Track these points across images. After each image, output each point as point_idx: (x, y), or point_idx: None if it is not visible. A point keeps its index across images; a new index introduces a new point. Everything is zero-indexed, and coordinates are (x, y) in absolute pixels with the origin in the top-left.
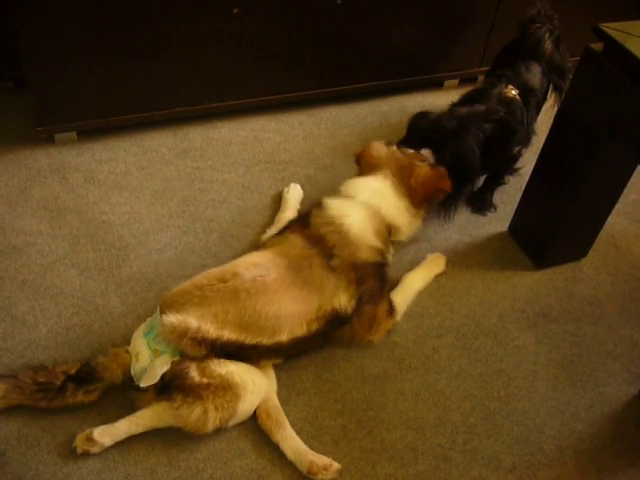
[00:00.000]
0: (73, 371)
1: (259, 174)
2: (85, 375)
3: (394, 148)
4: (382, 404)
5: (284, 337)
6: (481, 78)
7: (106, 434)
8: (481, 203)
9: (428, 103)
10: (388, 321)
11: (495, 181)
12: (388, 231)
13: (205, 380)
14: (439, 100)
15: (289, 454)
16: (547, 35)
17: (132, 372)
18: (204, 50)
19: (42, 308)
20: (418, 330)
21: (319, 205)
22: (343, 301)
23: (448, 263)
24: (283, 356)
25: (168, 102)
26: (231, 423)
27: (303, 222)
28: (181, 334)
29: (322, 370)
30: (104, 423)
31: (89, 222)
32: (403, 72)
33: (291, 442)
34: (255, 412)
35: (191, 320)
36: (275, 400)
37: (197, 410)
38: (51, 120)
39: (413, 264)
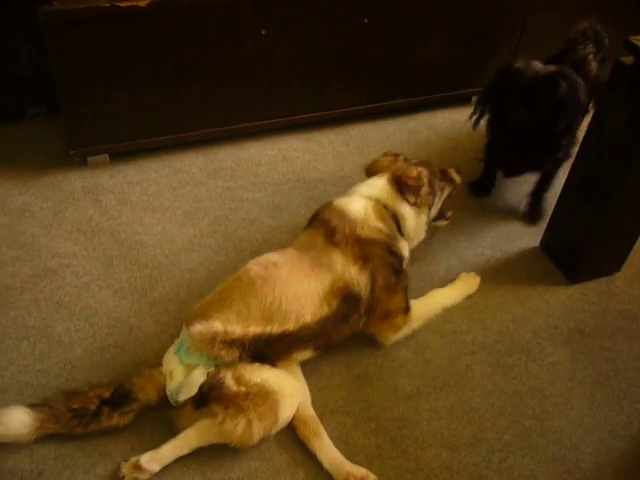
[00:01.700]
0: (107, 394)
1: (289, 193)
2: (119, 397)
3: (399, 158)
4: (416, 422)
5: (308, 318)
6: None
7: (153, 460)
8: (535, 213)
9: (455, 119)
10: (401, 319)
11: (542, 188)
12: (394, 219)
13: (243, 389)
14: (466, 116)
15: (325, 463)
16: (591, 56)
17: (167, 391)
18: (232, 72)
19: (77, 329)
20: (451, 347)
21: (326, 204)
22: (354, 274)
23: (480, 279)
24: (312, 345)
25: (198, 124)
26: (274, 431)
27: (311, 222)
28: (211, 340)
29: (355, 389)
30: (138, 441)
31: (122, 243)
32: (430, 89)
33: (328, 452)
34: (292, 422)
35: (217, 324)
36: (311, 410)
37: (242, 423)
38: (83, 143)
39: (445, 281)
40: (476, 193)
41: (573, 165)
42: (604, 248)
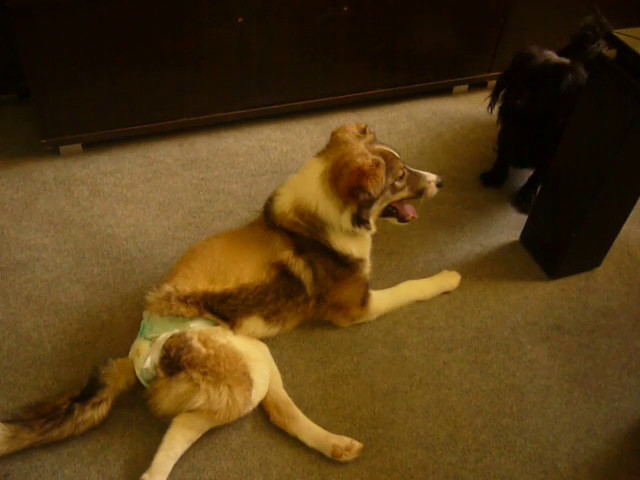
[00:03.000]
0: (77, 393)
1: (265, 184)
2: (88, 389)
3: (367, 137)
4: (392, 421)
5: (246, 280)
6: (491, 83)
7: (155, 473)
8: (527, 202)
9: (437, 109)
10: (357, 310)
11: (538, 179)
12: (313, 214)
13: (212, 352)
14: (448, 106)
15: (310, 442)
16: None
17: (137, 371)
18: (208, 60)
19: (47, 324)
20: (428, 344)
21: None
22: (290, 257)
23: (460, 277)
24: (258, 312)
25: (173, 113)
26: (255, 397)
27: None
28: (166, 299)
29: (330, 387)
30: (108, 441)
31: (94, 236)
32: (411, 78)
33: (308, 431)
34: (266, 410)
35: (167, 286)
36: (283, 394)
37: (224, 391)
38: (56, 132)
39: (423, 276)
40: (488, 184)
41: (554, 159)
42: (584, 243)
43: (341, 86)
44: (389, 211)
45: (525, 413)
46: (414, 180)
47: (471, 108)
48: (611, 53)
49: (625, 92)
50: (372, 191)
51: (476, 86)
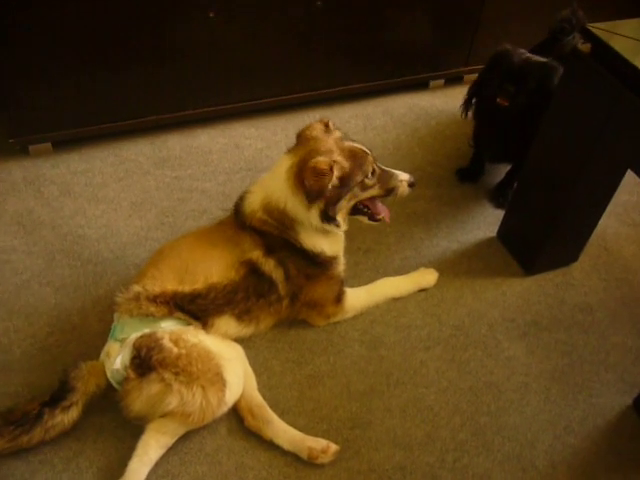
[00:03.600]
0: (47, 398)
1: (240, 182)
2: (57, 392)
3: (334, 133)
4: (369, 422)
5: (215, 279)
6: (469, 77)
7: None
8: (504, 198)
9: (413, 104)
10: (332, 308)
11: (516, 174)
12: (282, 211)
13: (183, 351)
14: (424, 101)
15: (286, 446)
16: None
17: (108, 375)
18: (180, 56)
19: (16, 329)
20: (405, 343)
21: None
22: (260, 257)
23: (438, 275)
24: (229, 311)
25: (145, 110)
26: (229, 398)
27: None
28: (135, 299)
29: (306, 388)
30: (80, 448)
31: (64, 237)
32: (387, 73)
33: (284, 434)
34: (240, 414)
35: (135, 286)
36: (257, 397)
37: (198, 392)
38: (25, 131)
39: (400, 273)
40: (464, 179)
41: (531, 155)
42: (561, 238)
43: (316, 82)
44: (359, 209)
45: (503, 411)
46: (385, 178)
47: (447, 103)
48: (586, 47)
49: (600, 87)
50: (320, 189)
51: (452, 80)
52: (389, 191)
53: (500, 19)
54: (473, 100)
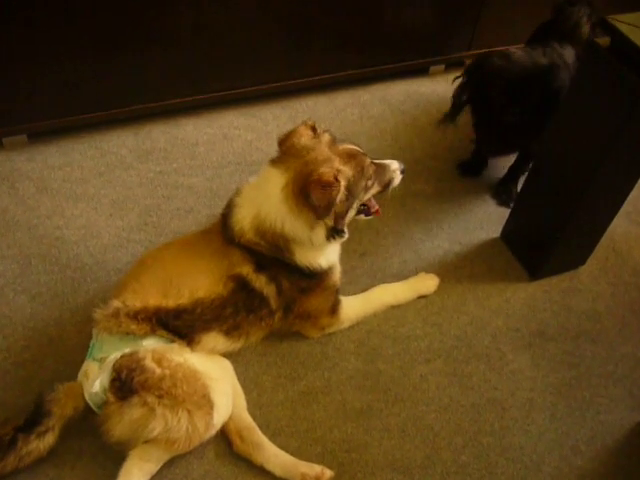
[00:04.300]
0: (21, 422)
1: (229, 177)
2: (33, 417)
3: (324, 137)
4: (366, 444)
5: (202, 293)
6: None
7: None
8: (507, 195)
9: (412, 91)
10: (327, 320)
11: (520, 169)
12: (279, 234)
13: (167, 372)
14: (424, 87)
15: (277, 472)
16: (585, 19)
17: (87, 397)
18: (165, 41)
19: None
20: (405, 355)
21: (235, 192)
22: (250, 272)
23: (439, 280)
24: (217, 327)
25: (127, 99)
26: (217, 420)
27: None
28: (114, 315)
29: (300, 406)
30: (58, 474)
31: (41, 239)
32: (385, 58)
33: (275, 459)
34: (228, 438)
35: (115, 302)
36: (246, 419)
37: (183, 416)
38: None
39: (399, 278)
40: (466, 174)
41: (541, 152)
42: (569, 241)
43: (309, 67)
44: (359, 210)
45: (507, 430)
46: (381, 173)
47: (448, 90)
48: (605, 41)
49: (619, 85)
50: (329, 203)
51: (454, 65)
52: (386, 185)
53: (505, 2)
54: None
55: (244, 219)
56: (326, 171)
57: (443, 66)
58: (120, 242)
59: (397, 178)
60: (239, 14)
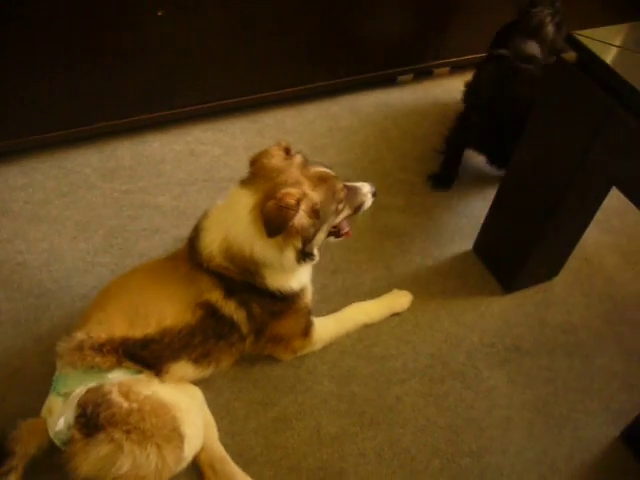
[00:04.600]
0: None
1: (196, 195)
2: None
3: (296, 159)
4: (341, 470)
5: (169, 322)
6: (439, 71)
7: None
8: (506, 157)
9: (380, 102)
10: (299, 342)
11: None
12: (248, 258)
13: (135, 405)
14: (392, 98)
15: None
16: (548, 18)
17: (51, 435)
18: (129, 56)
19: None
20: (379, 376)
21: (203, 215)
22: (219, 299)
23: (411, 297)
24: (185, 356)
25: (91, 116)
26: (188, 453)
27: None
28: (78, 348)
29: (273, 433)
30: None
31: (2, 265)
32: (353, 69)
33: None
34: (200, 469)
35: (79, 334)
36: (218, 450)
37: (152, 452)
38: None
39: (372, 296)
40: (437, 186)
41: (511, 165)
42: (542, 253)
43: (277, 80)
44: (330, 232)
45: (485, 450)
46: (352, 196)
47: (417, 99)
48: (571, 56)
49: (586, 100)
50: (280, 224)
51: (422, 75)
52: (357, 208)
53: (472, 10)
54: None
55: (212, 243)
56: (290, 192)
57: (411, 76)
58: (85, 266)
59: (368, 201)
60: (204, 27)
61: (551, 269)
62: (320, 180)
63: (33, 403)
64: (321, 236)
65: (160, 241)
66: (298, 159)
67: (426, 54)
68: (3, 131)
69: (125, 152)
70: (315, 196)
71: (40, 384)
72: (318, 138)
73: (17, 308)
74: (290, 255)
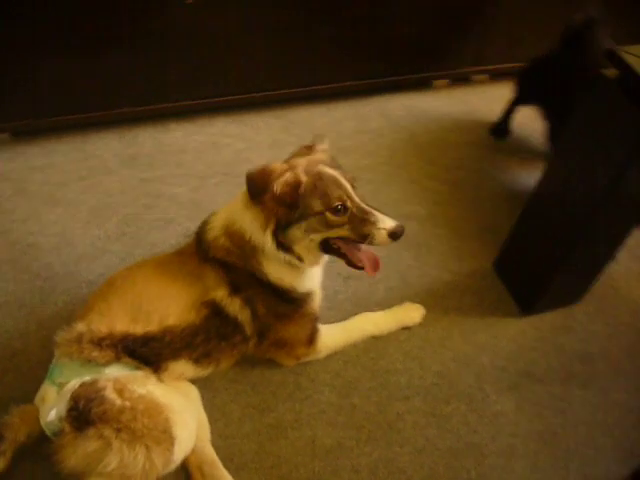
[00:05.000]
0: None
1: (214, 189)
2: None
3: (314, 154)
4: None
5: (171, 321)
6: (477, 78)
7: None
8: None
9: (412, 105)
10: (303, 348)
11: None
12: (241, 235)
13: (128, 404)
14: (425, 102)
15: None
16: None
17: (42, 423)
18: (156, 43)
19: None
20: (382, 391)
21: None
22: (224, 297)
23: (424, 311)
24: (186, 355)
25: (115, 101)
26: (177, 455)
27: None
28: (77, 340)
29: (267, 440)
30: None
31: (13, 245)
32: (386, 70)
33: None
34: (188, 471)
35: (80, 325)
36: (209, 453)
37: (141, 453)
38: None
39: (383, 306)
40: (496, 135)
41: (540, 182)
42: (566, 276)
43: (307, 76)
44: (335, 250)
45: (484, 478)
46: (360, 220)
47: (451, 105)
48: (612, 72)
49: (625, 119)
50: (263, 185)
51: (458, 80)
52: (362, 237)
53: (516, 17)
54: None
55: (217, 225)
56: (275, 165)
57: (447, 81)
58: (95, 252)
59: (380, 238)
60: (235, 18)
61: (574, 294)
62: (317, 175)
63: (29, 387)
64: (298, 234)
65: (173, 232)
66: (319, 155)
67: (464, 59)
68: (27, 110)
69: (147, 139)
70: (302, 177)
71: (38, 369)
72: (344, 139)
73: (23, 289)
74: (269, 237)
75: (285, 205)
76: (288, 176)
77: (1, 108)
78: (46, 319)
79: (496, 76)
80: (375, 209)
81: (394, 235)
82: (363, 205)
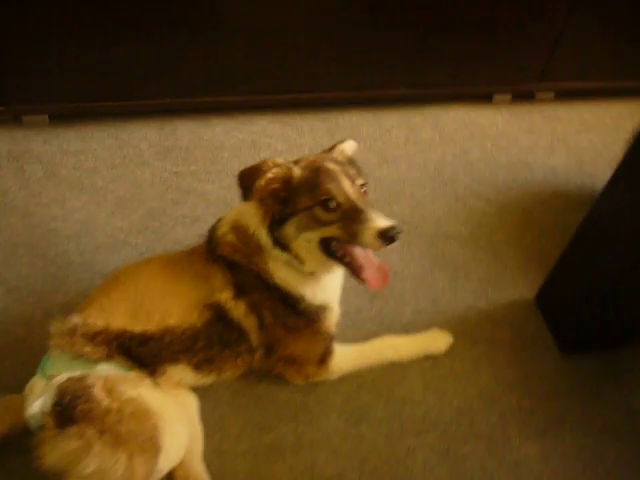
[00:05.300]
0: None
1: None
2: None
3: (330, 153)
4: None
5: (173, 321)
6: (542, 95)
7: None
8: None
9: (468, 120)
10: (314, 368)
11: None
12: (245, 229)
13: (115, 405)
14: (484, 117)
15: None
16: None
17: (27, 414)
18: (202, 31)
19: None
20: (394, 421)
21: None
22: (228, 299)
23: (452, 335)
24: (185, 360)
25: (156, 90)
26: (163, 465)
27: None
28: (70, 333)
29: (262, 461)
30: None
31: (34, 228)
32: (443, 79)
33: None
34: None
35: (75, 317)
36: (198, 469)
37: (122, 459)
38: (19, 99)
39: (409, 330)
40: None
41: (592, 208)
42: (615, 316)
43: (357, 80)
44: (337, 255)
45: None
46: (351, 218)
47: (511, 123)
48: None
49: None
50: (249, 178)
51: (522, 97)
52: (351, 236)
53: (586, 32)
54: None
55: (227, 223)
56: (267, 160)
57: (509, 96)
58: (115, 244)
59: (368, 238)
60: (289, 13)
61: (620, 337)
62: (313, 170)
63: (27, 376)
64: (292, 231)
65: (197, 230)
66: (334, 155)
67: (529, 74)
68: (67, 94)
69: (185, 132)
70: (294, 171)
71: (38, 359)
72: (391, 148)
73: (36, 275)
74: (264, 232)
75: (279, 200)
76: (276, 170)
77: (42, 89)
78: (54, 308)
79: (562, 95)
80: (374, 209)
81: (384, 236)
82: (357, 202)
